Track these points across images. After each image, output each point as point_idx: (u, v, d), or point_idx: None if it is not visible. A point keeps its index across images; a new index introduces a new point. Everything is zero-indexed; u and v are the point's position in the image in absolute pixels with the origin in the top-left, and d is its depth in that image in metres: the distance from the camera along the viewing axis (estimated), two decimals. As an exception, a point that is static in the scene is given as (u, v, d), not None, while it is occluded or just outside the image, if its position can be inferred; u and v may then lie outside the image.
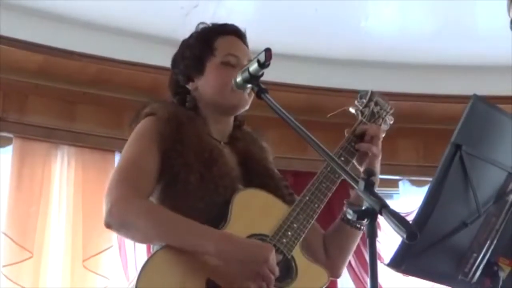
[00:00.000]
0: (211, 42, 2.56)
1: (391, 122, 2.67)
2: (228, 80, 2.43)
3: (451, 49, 5.47)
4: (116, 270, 4.98)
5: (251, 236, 2.31)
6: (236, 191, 2.38)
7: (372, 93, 2.66)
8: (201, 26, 2.62)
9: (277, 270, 2.21)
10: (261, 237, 2.32)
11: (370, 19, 5.20)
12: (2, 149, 5.03)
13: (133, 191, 2.29)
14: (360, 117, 2.62)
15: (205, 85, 2.54)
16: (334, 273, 2.61)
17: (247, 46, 2.62)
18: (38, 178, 4.99)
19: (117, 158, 5.19)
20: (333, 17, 5.12)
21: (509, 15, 4.03)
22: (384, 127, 2.65)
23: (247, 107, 2.55)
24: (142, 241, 2.44)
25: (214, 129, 2.54)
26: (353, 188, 2.06)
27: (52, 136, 5.13)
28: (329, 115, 2.68)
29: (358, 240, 2.59)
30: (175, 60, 2.62)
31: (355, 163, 2.56)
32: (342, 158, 2.50)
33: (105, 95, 5.28)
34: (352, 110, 2.66)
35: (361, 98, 2.65)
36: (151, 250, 2.37)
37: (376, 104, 2.64)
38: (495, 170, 2.31)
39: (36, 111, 5.10)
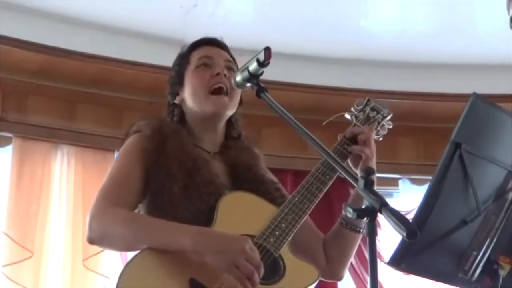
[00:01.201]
0: (187, 55, 2.64)
1: (390, 127, 2.68)
2: (203, 81, 2.51)
3: (450, 47, 5.47)
4: (116, 269, 4.98)
5: (241, 235, 2.29)
6: (222, 195, 2.39)
7: (369, 99, 2.69)
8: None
9: (256, 260, 2.19)
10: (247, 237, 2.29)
11: (369, 18, 5.20)
12: (2, 149, 5.03)
13: (111, 204, 2.33)
14: (354, 121, 2.64)
15: (186, 94, 2.59)
16: (336, 276, 2.62)
17: (228, 52, 2.66)
18: (38, 178, 4.99)
19: (117, 157, 5.19)
20: (332, 16, 5.12)
21: (508, 14, 4.04)
22: (382, 132, 2.67)
23: (229, 112, 2.57)
24: (124, 248, 2.45)
25: (203, 139, 2.57)
26: (353, 187, 2.06)
27: (52, 135, 5.12)
28: (324, 122, 2.69)
29: (358, 243, 2.59)
30: (167, 86, 2.68)
31: (351, 166, 2.57)
32: None
33: (105, 94, 5.27)
34: (347, 116, 2.68)
35: (358, 105, 2.67)
36: None
37: (373, 109, 2.66)
38: (495, 168, 2.31)
39: (36, 110, 5.10)
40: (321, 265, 2.52)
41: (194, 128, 2.57)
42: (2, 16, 4.76)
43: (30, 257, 4.78)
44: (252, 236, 2.31)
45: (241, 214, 2.38)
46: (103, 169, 5.10)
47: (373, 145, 2.56)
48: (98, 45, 5.11)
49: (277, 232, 2.34)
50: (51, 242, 4.92)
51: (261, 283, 2.23)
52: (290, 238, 2.36)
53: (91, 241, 2.33)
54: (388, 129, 2.68)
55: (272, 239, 2.32)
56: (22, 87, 5.07)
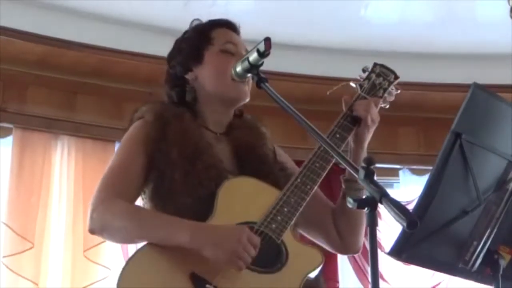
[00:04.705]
0: (207, 32, 2.57)
1: (398, 92, 2.58)
2: (229, 68, 2.43)
3: (451, 37, 5.47)
4: (117, 260, 4.99)
5: (238, 225, 2.27)
6: (223, 181, 2.36)
7: (375, 64, 2.59)
8: (195, 22, 2.64)
9: (252, 250, 2.17)
10: (248, 225, 2.26)
11: (369, 8, 5.20)
12: (2, 140, 5.03)
13: (113, 195, 2.32)
14: (359, 91, 2.56)
15: (205, 74, 2.52)
16: (350, 250, 2.58)
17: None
18: (39, 169, 5.00)
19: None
20: (332, 6, 5.11)
21: (508, 4, 4.04)
22: (389, 98, 2.57)
23: (247, 100, 2.53)
24: (123, 241, 2.47)
25: (211, 120, 2.52)
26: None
27: (52, 126, 5.13)
28: (329, 92, 2.64)
29: (364, 215, 2.54)
30: (172, 55, 2.61)
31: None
32: (338, 135, 2.44)
33: (105, 85, 5.28)
34: (352, 84, 2.59)
35: (364, 71, 2.59)
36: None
37: (379, 75, 2.56)
38: (495, 158, 2.31)
39: (36, 101, 5.10)
40: (335, 239, 2.51)
41: (205, 108, 2.52)
42: (2, 6, 4.75)
43: (30, 248, 4.78)
44: (253, 223, 2.28)
45: (242, 201, 2.34)
46: (103, 159, 5.10)
47: (375, 118, 2.48)
48: (98, 35, 5.11)
49: (279, 218, 2.29)
50: (52, 233, 4.93)
51: (263, 272, 2.22)
52: (292, 223, 2.31)
53: (92, 231, 2.33)
54: (395, 95, 2.58)
55: (274, 225, 2.28)
56: (22, 78, 5.08)
